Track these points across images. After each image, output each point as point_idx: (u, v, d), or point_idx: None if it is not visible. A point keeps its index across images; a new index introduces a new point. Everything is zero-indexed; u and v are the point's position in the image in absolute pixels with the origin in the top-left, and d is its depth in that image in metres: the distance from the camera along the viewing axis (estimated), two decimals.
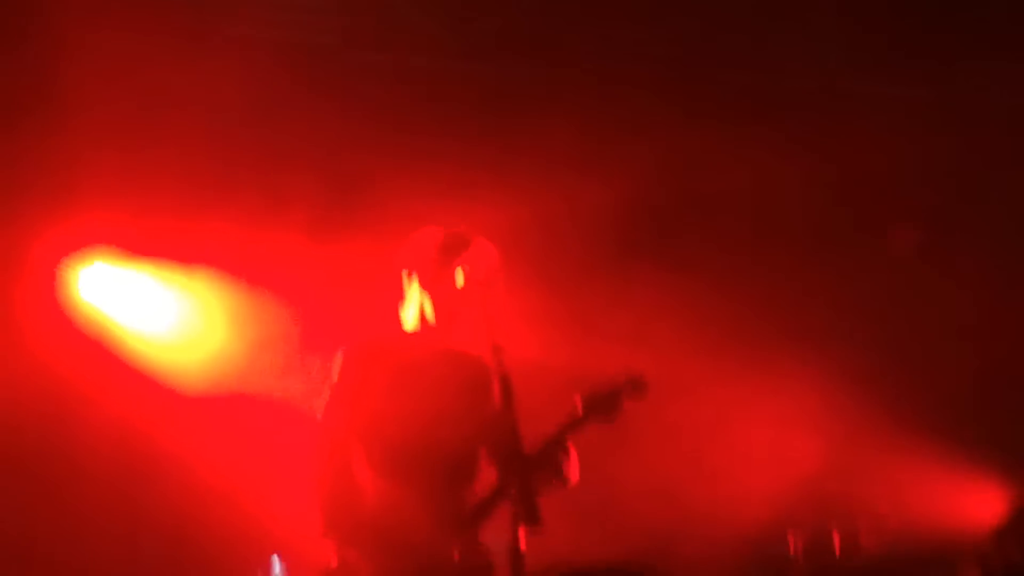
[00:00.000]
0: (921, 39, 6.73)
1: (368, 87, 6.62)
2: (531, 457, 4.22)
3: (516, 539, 3.91)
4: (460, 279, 4.42)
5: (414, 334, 4.62)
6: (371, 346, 4.60)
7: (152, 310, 6.68)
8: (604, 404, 4.43)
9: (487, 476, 4.56)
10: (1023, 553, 1.78)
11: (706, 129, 6.81)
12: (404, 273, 4.64)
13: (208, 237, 6.50)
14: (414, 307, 4.60)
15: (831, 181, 7.09)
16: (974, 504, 6.84)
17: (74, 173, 6.16)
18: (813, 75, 6.99)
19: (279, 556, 6.61)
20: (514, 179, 6.49)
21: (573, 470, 4.49)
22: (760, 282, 7.20)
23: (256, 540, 6.63)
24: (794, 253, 7.26)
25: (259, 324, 6.72)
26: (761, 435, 6.91)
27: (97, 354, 6.64)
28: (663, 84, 6.82)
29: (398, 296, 4.67)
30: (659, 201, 7.11)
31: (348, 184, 6.54)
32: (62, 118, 6.06)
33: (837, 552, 6.70)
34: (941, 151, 7.01)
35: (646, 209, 7.12)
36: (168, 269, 6.64)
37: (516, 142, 6.56)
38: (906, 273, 7.30)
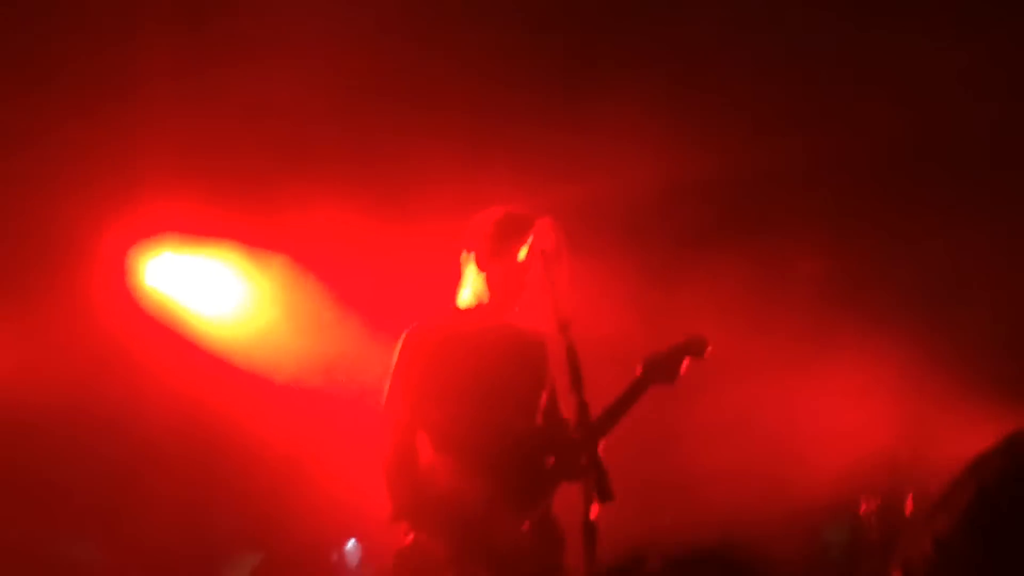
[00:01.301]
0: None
1: (436, 69, 6.53)
2: (596, 425, 4.20)
3: (588, 514, 3.87)
4: (522, 255, 4.42)
5: (469, 312, 4.63)
6: (429, 328, 4.61)
7: (218, 294, 6.76)
8: (664, 364, 4.45)
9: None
10: (936, 547, 1.68)
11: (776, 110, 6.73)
12: (463, 254, 4.66)
13: (274, 224, 6.56)
14: (470, 287, 4.62)
15: (898, 154, 6.98)
16: None
17: (142, 164, 6.23)
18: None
19: (356, 539, 6.69)
20: (590, 158, 6.46)
21: None
22: (828, 255, 7.14)
23: (333, 522, 6.72)
24: (860, 225, 7.17)
25: (324, 307, 6.77)
26: (835, 408, 6.85)
27: (166, 337, 6.73)
28: (746, 48, 6.68)
29: (457, 278, 4.70)
30: (726, 183, 7.03)
31: (417, 168, 6.50)
32: (130, 113, 6.11)
33: (908, 514, 6.66)
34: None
35: (714, 190, 7.05)
36: (233, 254, 6.70)
37: (592, 120, 6.47)
38: (975, 242, 7.18)
